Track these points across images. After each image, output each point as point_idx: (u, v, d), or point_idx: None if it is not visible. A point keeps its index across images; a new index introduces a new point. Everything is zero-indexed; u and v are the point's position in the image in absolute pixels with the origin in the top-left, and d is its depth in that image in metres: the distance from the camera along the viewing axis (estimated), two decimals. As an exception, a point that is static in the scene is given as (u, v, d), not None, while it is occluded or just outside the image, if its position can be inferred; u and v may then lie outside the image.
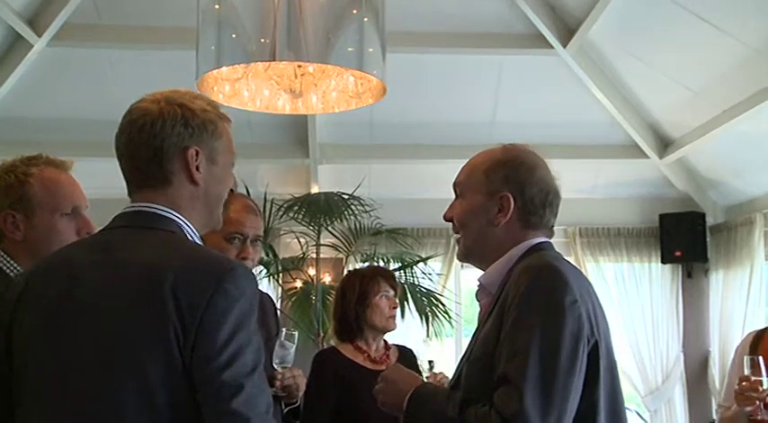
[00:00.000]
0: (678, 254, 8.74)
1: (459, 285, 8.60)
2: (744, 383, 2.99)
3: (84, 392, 1.60)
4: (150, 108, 1.78)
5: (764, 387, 2.95)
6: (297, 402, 2.87)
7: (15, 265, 2.15)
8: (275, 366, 2.81)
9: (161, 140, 1.75)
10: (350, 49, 3.50)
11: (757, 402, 2.96)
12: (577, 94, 7.55)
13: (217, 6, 3.50)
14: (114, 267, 1.66)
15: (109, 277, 1.65)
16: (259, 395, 1.59)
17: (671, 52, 6.71)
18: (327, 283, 7.32)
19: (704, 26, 6.08)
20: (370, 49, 3.52)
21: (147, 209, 1.75)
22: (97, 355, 1.60)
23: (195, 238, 1.80)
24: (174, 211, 1.76)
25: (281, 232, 7.51)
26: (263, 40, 3.38)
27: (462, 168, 2.17)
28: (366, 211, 7.07)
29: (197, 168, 1.78)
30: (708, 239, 8.69)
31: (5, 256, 2.17)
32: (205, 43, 3.53)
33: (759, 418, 2.99)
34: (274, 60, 3.45)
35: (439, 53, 7.14)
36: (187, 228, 1.77)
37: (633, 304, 8.88)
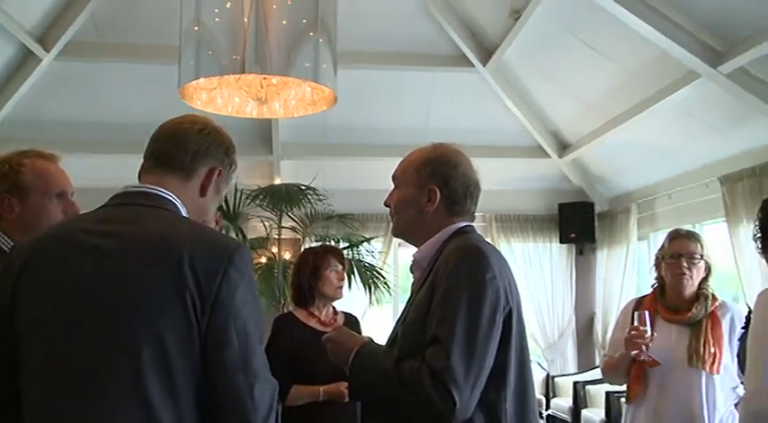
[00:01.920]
0: (573, 236, 8.86)
1: (397, 261, 8.61)
2: (633, 332, 3.07)
3: (107, 351, 1.46)
4: (211, 123, 1.80)
5: (648, 335, 3.03)
6: None
7: (11, 242, 2.06)
8: None
9: (207, 147, 1.72)
10: (307, 64, 3.47)
11: (642, 347, 3.05)
12: (494, 105, 7.60)
13: (196, 28, 3.45)
14: (133, 238, 1.54)
15: (128, 246, 1.52)
16: (263, 360, 1.55)
17: (567, 72, 6.78)
18: (287, 259, 7.27)
19: (593, 53, 6.16)
20: (324, 65, 3.50)
21: (155, 191, 1.65)
22: (119, 318, 1.47)
23: None
24: (178, 199, 1.67)
25: (249, 217, 7.43)
26: (234, 57, 3.34)
27: (399, 164, 2.16)
28: (320, 200, 7.03)
29: (211, 185, 1.74)
30: (596, 224, 8.81)
31: (2, 234, 2.09)
32: (186, 59, 3.48)
33: (641, 358, 3.08)
34: (244, 73, 3.43)
35: (381, 69, 7.11)
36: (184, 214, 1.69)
37: (537, 276, 9.00)
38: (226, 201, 6.96)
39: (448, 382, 1.71)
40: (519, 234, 8.96)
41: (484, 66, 7.06)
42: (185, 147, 1.70)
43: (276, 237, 7.21)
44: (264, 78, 3.58)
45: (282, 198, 6.98)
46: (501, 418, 1.82)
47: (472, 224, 2.08)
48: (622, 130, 6.81)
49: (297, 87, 3.71)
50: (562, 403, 8.05)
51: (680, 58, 5.32)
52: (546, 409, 7.94)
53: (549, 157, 8.22)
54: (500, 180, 8.14)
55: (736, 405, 3.03)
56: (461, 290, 1.80)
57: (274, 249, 7.32)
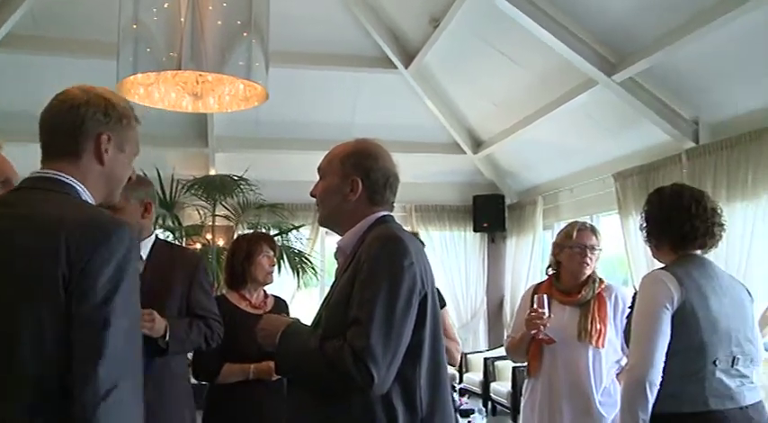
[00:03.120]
0: (485, 225, 9.01)
1: (324, 248, 8.60)
2: (533, 314, 3.17)
3: None
4: (79, 94, 1.69)
5: (546, 316, 3.14)
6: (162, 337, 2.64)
7: None
8: None
9: (82, 121, 1.64)
10: (241, 62, 3.42)
11: (541, 327, 3.16)
12: (415, 105, 7.65)
13: (134, 26, 3.37)
14: (18, 219, 1.52)
15: (13, 226, 1.51)
16: (122, 333, 1.46)
17: (482, 76, 6.88)
18: (221, 245, 7.19)
19: (503, 58, 6.27)
20: (257, 64, 3.46)
21: (51, 175, 1.62)
22: (1, 293, 1.45)
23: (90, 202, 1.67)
24: (76, 180, 1.63)
25: (185, 205, 7.31)
26: (171, 54, 3.27)
27: (325, 156, 2.15)
28: (252, 190, 6.95)
29: (106, 151, 1.67)
30: (506, 215, 8.98)
31: None
32: (124, 55, 3.39)
33: (540, 337, 3.19)
34: (180, 70, 3.36)
35: (311, 69, 7.08)
36: (85, 194, 1.65)
37: (452, 262, 9.11)
38: (162, 189, 6.83)
39: (367, 360, 1.73)
40: (436, 223, 9.07)
41: (406, 68, 7.10)
42: (57, 133, 1.66)
43: (210, 224, 7.11)
44: (200, 75, 3.52)
45: (216, 188, 6.89)
46: (415, 392, 1.85)
47: (392, 214, 2.09)
48: (530, 130, 6.96)
49: (231, 84, 3.66)
50: (474, 377, 8.22)
51: (580, 67, 5.48)
52: (459, 383, 8.09)
53: (464, 153, 8.33)
54: (419, 173, 8.23)
55: (618, 375, 3.18)
56: (381, 275, 1.82)
57: (209, 236, 7.22)
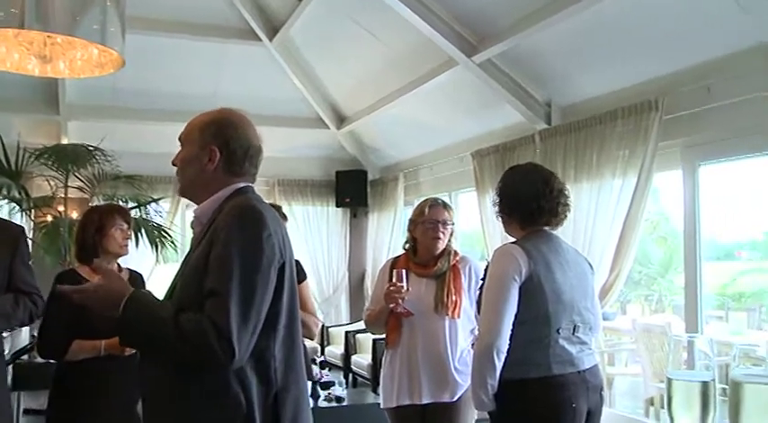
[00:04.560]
0: (347, 200, 9.07)
1: (185, 221, 8.34)
2: (392, 288, 3.23)
3: None
4: None
5: (404, 290, 3.21)
6: None
7: None
8: None
9: None
10: (95, 26, 3.21)
11: (399, 301, 3.23)
12: (279, 78, 7.54)
13: (-31, -24, 3.05)
14: None
15: None
16: None
17: (346, 52, 6.88)
18: (75, 218, 6.80)
19: (368, 36, 6.29)
20: (112, 29, 3.25)
21: None
22: None
23: None
24: None
25: (33, 175, 6.84)
26: (12, 10, 2.99)
27: (186, 125, 2.08)
28: (108, 161, 6.59)
29: None
30: (368, 190, 9.07)
31: None
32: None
33: (398, 310, 3.26)
34: (23, 28, 3.09)
35: (172, 37, 6.78)
36: None
37: (315, 237, 9.12)
38: (6, 158, 6.36)
39: (230, 335, 1.68)
40: (299, 198, 9.03)
41: (270, 41, 6.98)
42: None
43: (62, 196, 6.71)
44: (49, 36, 3.25)
45: (69, 158, 6.48)
46: (270, 364, 1.82)
47: (252, 185, 2.05)
48: (392, 107, 7.04)
49: (83, 49, 3.41)
50: (335, 350, 8.30)
51: (442, 47, 5.58)
52: (321, 356, 8.13)
53: (327, 128, 8.32)
54: (283, 148, 8.14)
55: (472, 345, 3.31)
56: (238, 246, 1.77)
57: (61, 208, 6.82)
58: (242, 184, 2.01)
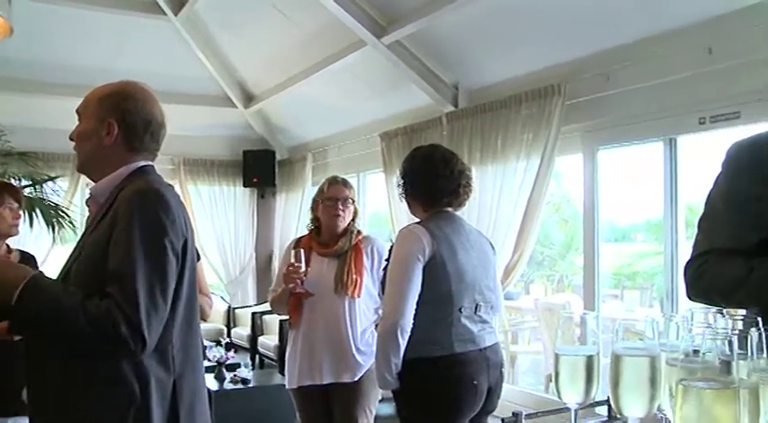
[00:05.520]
0: (255, 180, 8.97)
1: (83, 201, 8.03)
2: (290, 268, 3.23)
3: None
4: None
5: (302, 270, 3.22)
6: None
7: None
8: None
9: None
10: (-21, -9, 3.04)
11: (298, 281, 3.23)
12: (185, 54, 7.36)
13: None
14: None
15: None
16: None
17: (255, 30, 6.77)
18: (-40, 195, 6.43)
19: (277, 14, 6.22)
20: (-1, -6, 3.09)
21: None
22: None
23: None
24: None
25: None
26: None
27: (84, 97, 1.99)
28: (-3, 136, 6.26)
29: None
30: (276, 170, 9.00)
31: None
32: None
33: (297, 291, 3.26)
34: None
35: (70, 6, 6.48)
36: None
37: (221, 217, 8.98)
38: None
39: (138, 322, 1.62)
40: (206, 177, 8.86)
41: (176, 15, 6.78)
42: None
43: (-57, 173, 6.33)
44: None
45: (-48, 133, 6.13)
46: (167, 351, 1.76)
47: (153, 164, 1.99)
48: (301, 87, 6.99)
49: (-33, 15, 3.25)
50: (242, 332, 8.23)
51: (351, 27, 5.58)
52: (227, 337, 8.05)
53: (235, 106, 8.19)
54: (188, 126, 7.94)
55: (376, 326, 3.35)
56: (141, 228, 1.71)
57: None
58: (143, 163, 1.93)
